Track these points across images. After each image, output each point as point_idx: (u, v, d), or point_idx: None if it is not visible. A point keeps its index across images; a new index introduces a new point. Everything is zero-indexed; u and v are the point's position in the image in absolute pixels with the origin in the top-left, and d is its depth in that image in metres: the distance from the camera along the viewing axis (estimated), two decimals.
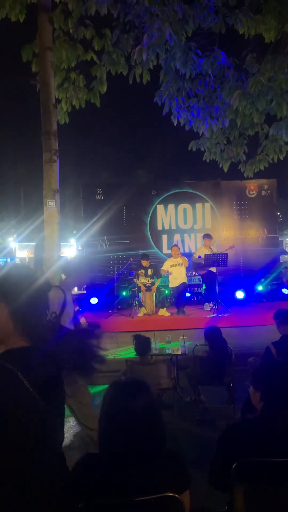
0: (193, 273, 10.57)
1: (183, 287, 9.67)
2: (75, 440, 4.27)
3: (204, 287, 10.19)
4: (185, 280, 9.68)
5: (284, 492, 1.71)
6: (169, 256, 10.29)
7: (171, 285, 9.76)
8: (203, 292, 10.37)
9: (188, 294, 10.58)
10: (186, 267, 9.69)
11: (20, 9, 7.54)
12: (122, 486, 1.55)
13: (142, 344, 4.60)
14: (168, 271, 9.62)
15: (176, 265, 9.59)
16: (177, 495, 1.55)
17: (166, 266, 9.68)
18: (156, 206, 11.35)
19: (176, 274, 9.58)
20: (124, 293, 10.46)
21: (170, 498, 1.55)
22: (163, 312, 9.52)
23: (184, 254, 10.06)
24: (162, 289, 10.28)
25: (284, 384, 1.91)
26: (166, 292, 10.24)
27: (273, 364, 2.14)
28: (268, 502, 1.70)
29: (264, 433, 1.84)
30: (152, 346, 4.91)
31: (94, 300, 10.21)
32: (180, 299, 9.67)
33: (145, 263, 9.67)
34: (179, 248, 9.98)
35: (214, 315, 9.11)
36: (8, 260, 21.13)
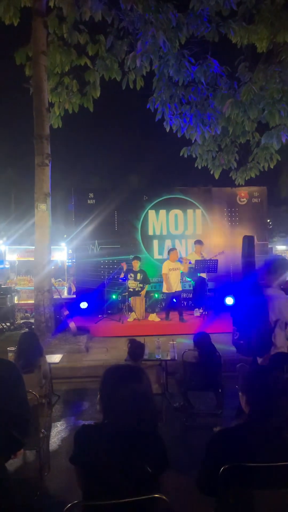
0: (185, 278, 10.59)
1: (179, 295, 9.63)
2: (63, 445, 4.24)
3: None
4: (179, 287, 9.61)
5: (272, 495, 1.72)
6: (160, 261, 10.30)
7: (164, 290, 9.63)
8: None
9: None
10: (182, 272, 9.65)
11: (14, 12, 7.56)
12: (113, 454, 1.69)
13: (136, 348, 4.59)
14: (167, 275, 9.44)
15: (175, 269, 9.49)
16: (164, 497, 1.59)
17: (165, 269, 9.47)
18: (147, 211, 11.37)
19: (173, 279, 9.50)
20: (114, 296, 10.43)
21: (158, 500, 1.58)
22: (153, 317, 9.52)
23: (177, 261, 10.02)
24: (152, 293, 10.28)
25: (268, 389, 1.95)
26: (157, 295, 10.22)
27: (259, 370, 2.16)
28: (256, 506, 1.71)
29: (251, 438, 1.86)
30: None
31: (84, 305, 10.16)
32: (174, 306, 9.62)
33: (136, 264, 9.64)
34: (178, 252, 9.85)
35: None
36: None
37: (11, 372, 2.47)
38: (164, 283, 9.59)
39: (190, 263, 9.57)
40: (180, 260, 9.67)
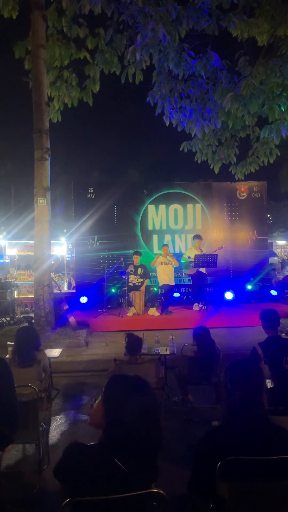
0: (183, 273, 10.61)
1: (169, 289, 9.78)
2: (62, 439, 4.27)
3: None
4: (172, 282, 9.79)
5: (269, 489, 1.74)
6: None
7: (161, 283, 9.90)
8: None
9: (177, 295, 10.62)
10: (174, 267, 9.81)
11: (13, 6, 7.51)
12: (106, 474, 1.60)
13: (133, 343, 4.60)
14: (155, 266, 9.86)
15: (165, 263, 9.74)
16: (162, 491, 1.59)
17: (156, 262, 9.85)
18: (147, 206, 11.36)
19: (163, 272, 9.70)
20: (113, 290, 10.46)
21: (155, 494, 1.58)
22: (153, 311, 9.54)
23: (174, 255, 10.13)
24: (152, 288, 10.31)
25: (252, 384, 1.99)
26: (156, 289, 10.28)
27: (238, 361, 2.18)
28: (253, 499, 1.72)
29: (237, 431, 1.88)
30: None
31: (83, 299, 10.19)
32: (167, 300, 9.78)
33: (136, 259, 9.70)
34: (169, 248, 10.12)
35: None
36: None
37: None
38: (159, 277, 9.93)
39: (189, 258, 9.61)
40: (177, 256, 9.91)
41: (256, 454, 1.76)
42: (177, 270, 10.18)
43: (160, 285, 9.95)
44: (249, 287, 11.16)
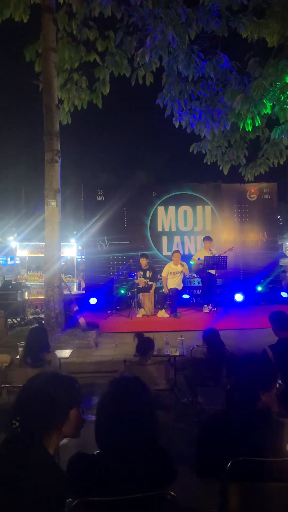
0: (193, 275, 10.58)
1: (177, 292, 9.67)
2: (71, 439, 4.28)
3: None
4: (179, 286, 9.66)
5: (278, 489, 1.73)
6: (169, 258, 10.24)
7: (169, 286, 9.67)
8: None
9: (187, 296, 10.59)
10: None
11: (24, 9, 7.58)
12: (113, 483, 1.58)
13: (144, 343, 4.59)
14: (166, 279, 9.50)
15: (175, 273, 9.49)
16: (172, 493, 1.58)
17: (165, 273, 9.54)
18: (156, 207, 11.37)
19: (172, 282, 9.53)
20: (122, 292, 10.45)
21: (166, 496, 1.58)
22: (162, 313, 9.53)
23: (183, 256, 10.03)
24: (161, 290, 10.29)
25: (249, 377, 2.05)
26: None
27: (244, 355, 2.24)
28: (262, 500, 1.72)
29: (237, 418, 1.94)
30: None
31: (93, 300, 10.21)
32: (176, 303, 9.68)
33: (143, 262, 9.65)
34: (181, 254, 9.76)
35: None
36: (8, 259, 21.14)
37: None
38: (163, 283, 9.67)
39: (199, 259, 9.57)
40: (186, 257, 9.73)
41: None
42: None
43: (168, 287, 9.84)
44: (259, 289, 11.10)
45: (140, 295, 9.70)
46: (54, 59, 7.96)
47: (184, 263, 9.55)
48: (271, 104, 7.90)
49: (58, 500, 1.55)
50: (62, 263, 9.76)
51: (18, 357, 4.45)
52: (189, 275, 10.40)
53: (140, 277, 9.60)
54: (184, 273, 9.59)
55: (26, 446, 1.57)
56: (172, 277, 9.54)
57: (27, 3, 7.60)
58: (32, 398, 1.69)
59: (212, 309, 9.49)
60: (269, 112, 7.99)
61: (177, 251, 9.76)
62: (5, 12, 7.43)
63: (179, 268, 9.43)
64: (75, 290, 13.67)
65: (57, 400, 1.69)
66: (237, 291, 10.56)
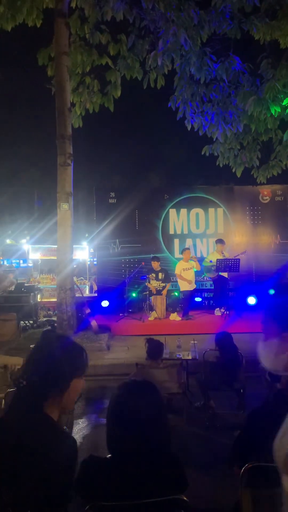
0: (205, 277, 10.54)
1: (190, 294, 9.69)
2: (84, 442, 4.29)
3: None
4: (193, 285, 9.73)
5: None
6: (181, 260, 10.25)
7: (182, 288, 9.76)
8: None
9: (199, 299, 10.55)
10: (196, 271, 9.73)
11: (37, 14, 7.64)
12: (125, 488, 1.57)
13: (154, 347, 4.59)
14: (180, 275, 9.63)
15: (188, 269, 9.65)
16: (185, 498, 1.56)
17: (178, 270, 9.71)
18: (168, 210, 11.35)
19: (188, 277, 9.61)
20: (133, 294, 10.45)
21: (179, 501, 1.56)
22: (174, 316, 9.50)
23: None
24: (173, 292, 10.26)
25: None
26: (176, 294, 10.20)
27: None
28: (275, 505, 1.69)
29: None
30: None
31: (105, 303, 10.23)
32: (188, 305, 9.69)
33: (155, 264, 9.68)
34: (190, 251, 9.99)
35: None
36: (21, 261, 21.31)
37: None
38: (180, 282, 9.75)
39: (211, 262, 9.54)
40: (191, 259, 9.75)
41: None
42: (198, 274, 10.11)
43: (181, 290, 9.88)
44: (272, 292, 10.99)
45: (152, 297, 9.69)
46: (67, 63, 8.01)
47: (194, 257, 9.84)
48: (284, 105, 7.85)
49: (68, 470, 1.46)
50: (74, 266, 9.79)
51: None
52: (201, 278, 10.37)
53: (152, 279, 9.61)
54: (196, 270, 9.77)
55: (28, 408, 1.53)
56: (186, 273, 9.65)
57: (40, 8, 7.68)
58: (40, 358, 1.68)
59: (225, 312, 9.43)
60: (279, 111, 7.92)
61: (187, 248, 9.97)
62: (18, 17, 7.51)
63: (190, 263, 9.64)
64: (87, 292, 13.71)
65: (62, 365, 1.67)
66: (250, 294, 10.47)
